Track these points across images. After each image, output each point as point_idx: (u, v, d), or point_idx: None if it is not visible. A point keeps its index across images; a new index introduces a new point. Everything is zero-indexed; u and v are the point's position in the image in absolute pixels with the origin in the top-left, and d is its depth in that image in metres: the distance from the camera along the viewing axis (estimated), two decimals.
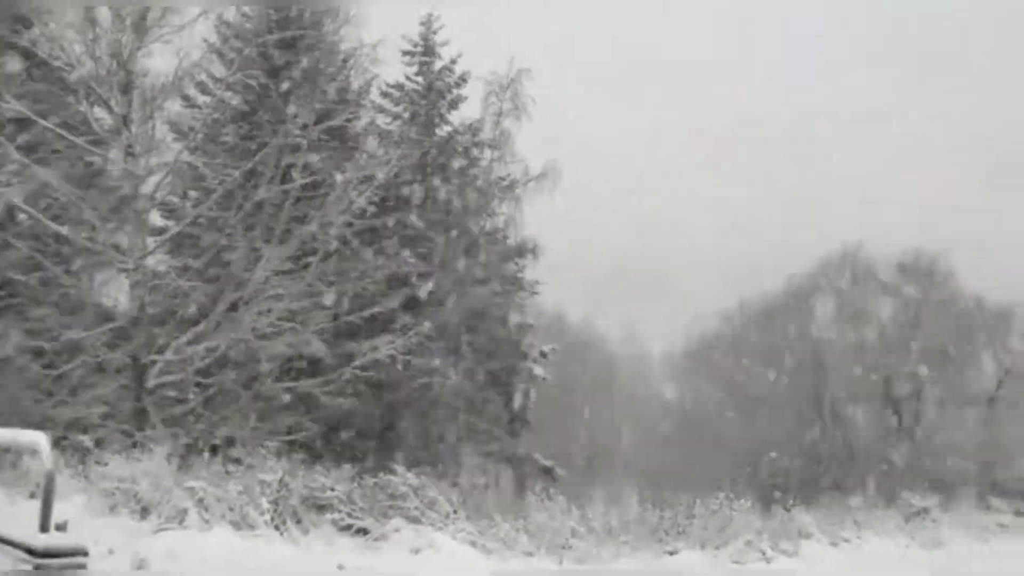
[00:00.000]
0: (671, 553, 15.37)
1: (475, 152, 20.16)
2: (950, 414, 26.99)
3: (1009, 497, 22.64)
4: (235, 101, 17.53)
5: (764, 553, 15.48)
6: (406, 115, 20.11)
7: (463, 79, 20.25)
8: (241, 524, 11.43)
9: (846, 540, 17.14)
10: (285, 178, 15.71)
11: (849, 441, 28.09)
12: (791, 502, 18.26)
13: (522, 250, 20.23)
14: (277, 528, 11.58)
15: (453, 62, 20.26)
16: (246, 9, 17.64)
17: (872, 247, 29.39)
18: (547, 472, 19.72)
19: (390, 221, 18.53)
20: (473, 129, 20.11)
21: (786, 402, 28.42)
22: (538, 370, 20.23)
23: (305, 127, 15.70)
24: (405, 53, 20.20)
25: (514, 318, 19.87)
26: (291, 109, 15.91)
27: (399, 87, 20.22)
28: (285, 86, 17.24)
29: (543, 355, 20.48)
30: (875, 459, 26.40)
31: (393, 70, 20.02)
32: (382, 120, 19.97)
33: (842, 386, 28.06)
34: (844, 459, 27.79)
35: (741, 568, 14.83)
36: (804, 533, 16.73)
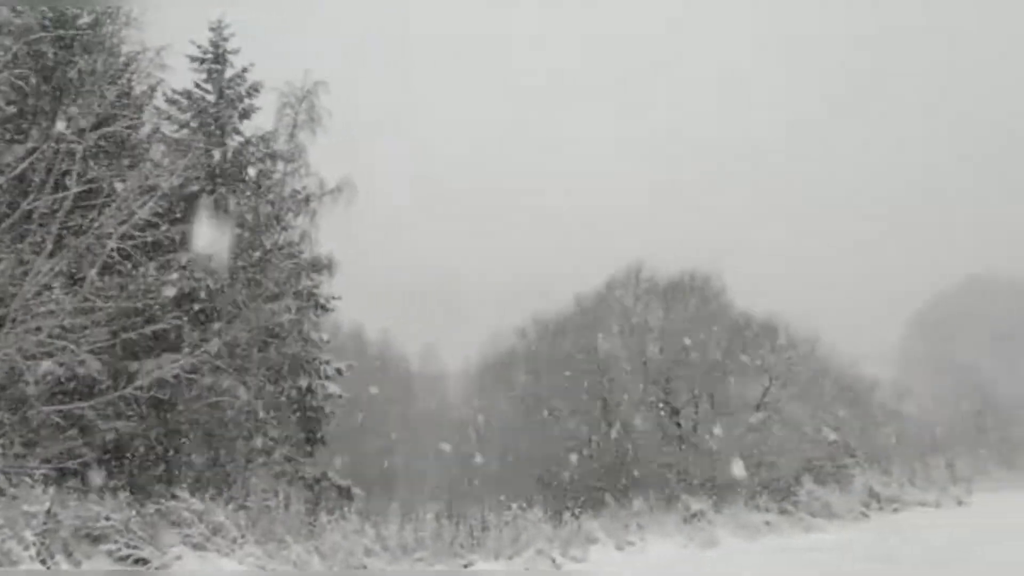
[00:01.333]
0: (466, 566, 15.60)
1: (268, 164, 19.61)
2: (723, 420, 28.95)
3: (774, 496, 24.57)
4: (1, 102, 16.11)
5: (554, 560, 16.02)
6: (194, 123, 19.25)
7: (255, 89, 19.67)
8: (2, 560, 10.50)
9: (631, 543, 18.05)
10: (58, 186, 14.60)
11: (634, 449, 29.52)
12: (579, 510, 19.01)
13: (317, 265, 19.88)
14: (44, 562, 10.74)
15: (245, 71, 19.63)
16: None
17: (653, 265, 31.37)
18: (343, 492, 19.41)
19: (176, 233, 17.64)
20: (266, 140, 19.58)
21: (576, 414, 29.53)
22: (333, 388, 19.92)
23: (81, 132, 14.67)
24: (193, 59, 19.40)
25: (309, 335, 19.48)
26: (65, 112, 14.83)
27: (186, 94, 19.35)
28: (59, 88, 16.07)
29: (339, 372, 20.19)
30: (657, 465, 27.90)
31: (182, 77, 19.23)
32: (168, 128, 19.02)
33: (627, 397, 29.51)
34: (630, 466, 29.19)
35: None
36: (592, 539, 17.47)
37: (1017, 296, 71.22)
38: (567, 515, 19.12)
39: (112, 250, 14.73)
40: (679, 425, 29.43)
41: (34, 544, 10.85)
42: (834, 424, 29.52)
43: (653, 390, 29.72)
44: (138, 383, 15.14)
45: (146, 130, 18.22)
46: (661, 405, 29.78)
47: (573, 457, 29.42)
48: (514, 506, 17.74)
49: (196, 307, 17.49)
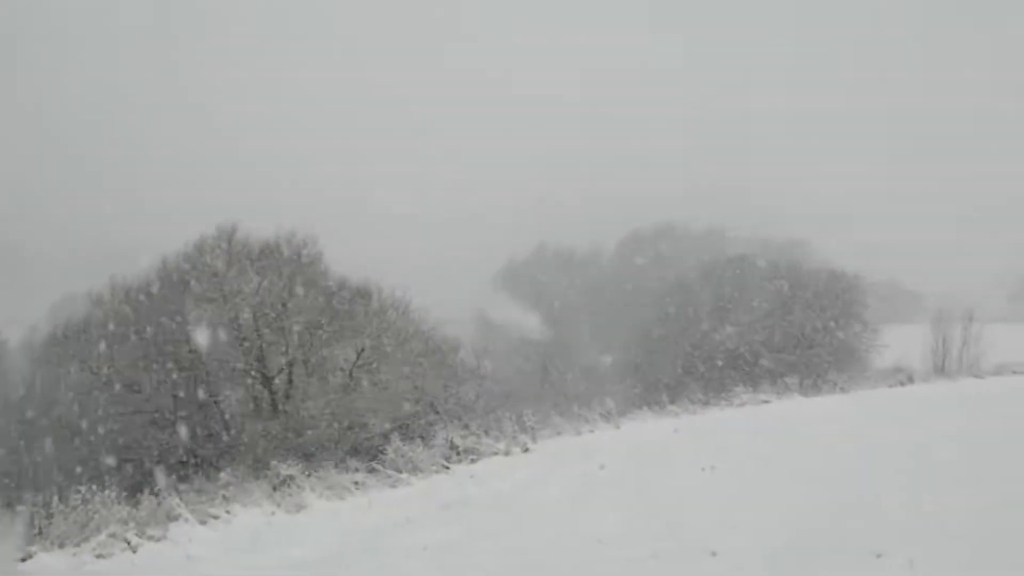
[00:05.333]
0: (24, 559, 14.13)
1: None
2: (317, 386, 29.22)
3: (364, 457, 25.38)
4: None
5: (129, 542, 15.10)
6: None
7: None
8: None
9: (215, 516, 17.54)
10: None
11: (225, 419, 28.72)
12: (158, 487, 18.09)
13: None
14: None
15: None
16: None
17: (247, 228, 30.56)
18: None
19: None
20: None
21: (162, 386, 27.92)
22: None
23: None
24: None
25: None
26: None
27: None
28: None
29: None
30: (249, 434, 27.43)
31: None
32: None
33: (218, 366, 28.53)
34: (220, 437, 28.35)
35: (103, 562, 14.26)
36: (172, 515, 16.71)
37: (567, 264, 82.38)
38: (147, 493, 18.08)
39: None
40: (272, 392, 29.14)
41: None
42: (421, 383, 31.18)
43: (246, 358, 29.05)
44: None
45: None
46: (254, 373, 29.23)
47: (157, 431, 27.90)
48: (83, 488, 16.35)
49: None
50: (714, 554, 13.33)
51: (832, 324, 53.66)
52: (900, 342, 47.66)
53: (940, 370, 47.99)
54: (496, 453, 26.07)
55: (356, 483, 22.39)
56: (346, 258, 33.14)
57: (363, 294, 32.49)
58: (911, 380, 41.83)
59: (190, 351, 28.13)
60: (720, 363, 53.57)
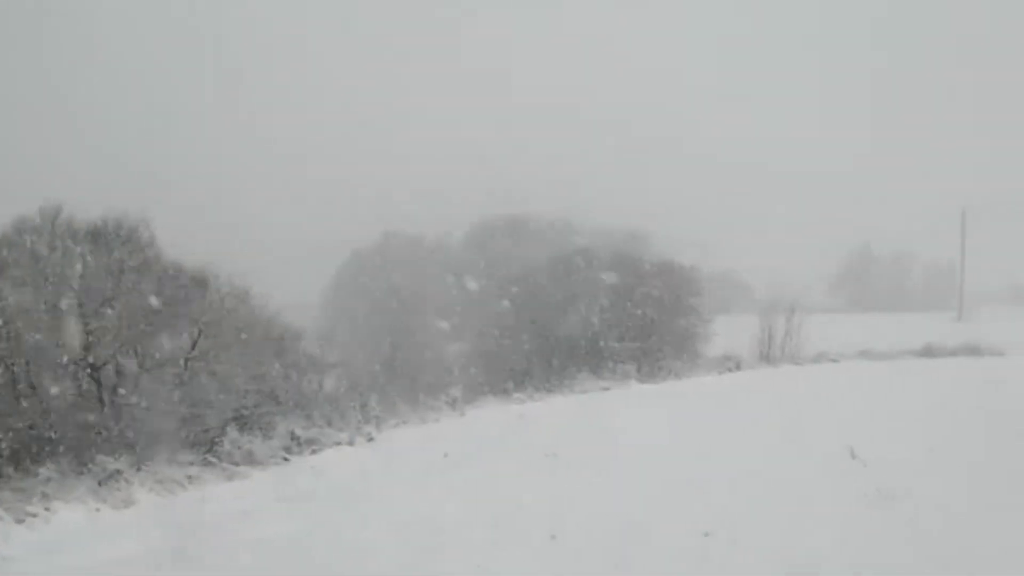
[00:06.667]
0: None
1: None
2: (149, 376, 27.82)
3: (198, 449, 24.41)
4: None
5: None
6: None
7: None
8: None
9: (33, 514, 16.49)
10: None
11: (46, 412, 26.91)
12: None
13: None
14: None
15: None
16: None
17: (72, 210, 28.65)
18: None
19: None
20: None
21: None
22: None
23: None
24: None
25: None
26: None
27: None
28: None
29: None
30: (72, 427, 25.82)
31: None
32: None
33: (39, 354, 26.68)
34: (41, 431, 26.55)
35: None
36: None
37: (414, 253, 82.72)
38: None
39: None
40: (99, 383, 27.51)
41: None
42: (261, 373, 30.25)
43: (70, 346, 27.28)
44: None
45: None
46: (79, 362, 27.51)
47: None
48: None
49: None
50: (553, 537, 13.65)
51: (668, 313, 55.83)
52: (730, 331, 50.24)
53: (765, 358, 50.90)
54: (339, 444, 25.74)
55: (190, 477, 21.57)
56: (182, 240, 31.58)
57: (199, 281, 31.16)
58: (739, 367, 44.25)
59: (7, 338, 26.17)
60: (564, 351, 54.76)
